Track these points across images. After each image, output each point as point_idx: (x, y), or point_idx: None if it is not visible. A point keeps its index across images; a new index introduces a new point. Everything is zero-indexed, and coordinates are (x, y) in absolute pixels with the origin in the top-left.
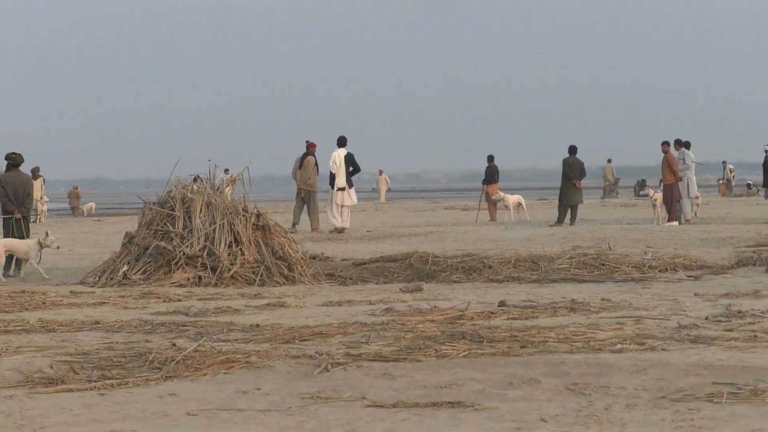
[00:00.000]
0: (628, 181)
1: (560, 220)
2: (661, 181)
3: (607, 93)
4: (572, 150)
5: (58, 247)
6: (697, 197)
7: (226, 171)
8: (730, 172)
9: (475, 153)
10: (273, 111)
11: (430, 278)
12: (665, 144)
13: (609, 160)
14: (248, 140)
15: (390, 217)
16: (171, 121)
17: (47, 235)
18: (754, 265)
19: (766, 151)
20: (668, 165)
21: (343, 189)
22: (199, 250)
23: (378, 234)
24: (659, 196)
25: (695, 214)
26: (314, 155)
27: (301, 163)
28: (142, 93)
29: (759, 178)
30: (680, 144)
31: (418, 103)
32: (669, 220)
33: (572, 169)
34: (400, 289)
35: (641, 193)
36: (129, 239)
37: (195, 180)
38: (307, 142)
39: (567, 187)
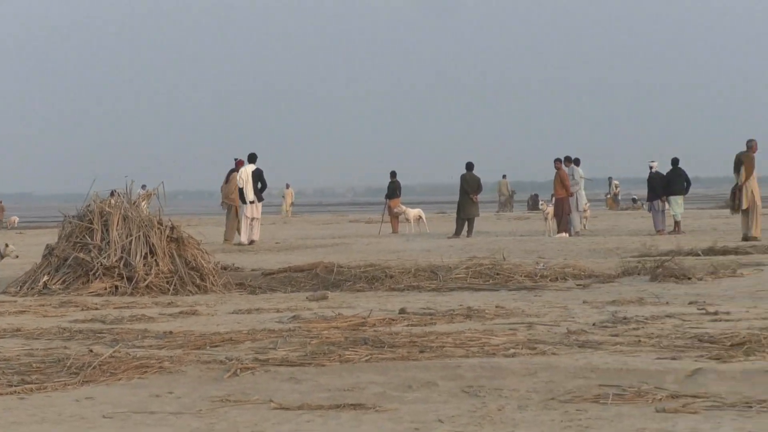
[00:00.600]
0: (521, 196)
1: (458, 233)
2: (552, 195)
3: (503, 113)
4: (469, 166)
5: (17, 256)
6: (585, 210)
7: (143, 187)
8: (616, 187)
9: (379, 169)
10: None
11: (335, 287)
12: (557, 161)
13: (504, 176)
14: (166, 154)
15: (298, 230)
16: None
17: (6, 246)
18: (638, 274)
19: (650, 168)
20: (560, 180)
21: (252, 202)
22: (116, 261)
23: (286, 246)
24: (551, 209)
25: (584, 227)
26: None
27: (227, 178)
28: (66, 109)
29: (644, 192)
30: (570, 161)
31: (327, 121)
32: (559, 232)
33: (469, 184)
34: (307, 298)
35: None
36: (49, 251)
37: (112, 195)
38: (235, 159)
39: (464, 201)
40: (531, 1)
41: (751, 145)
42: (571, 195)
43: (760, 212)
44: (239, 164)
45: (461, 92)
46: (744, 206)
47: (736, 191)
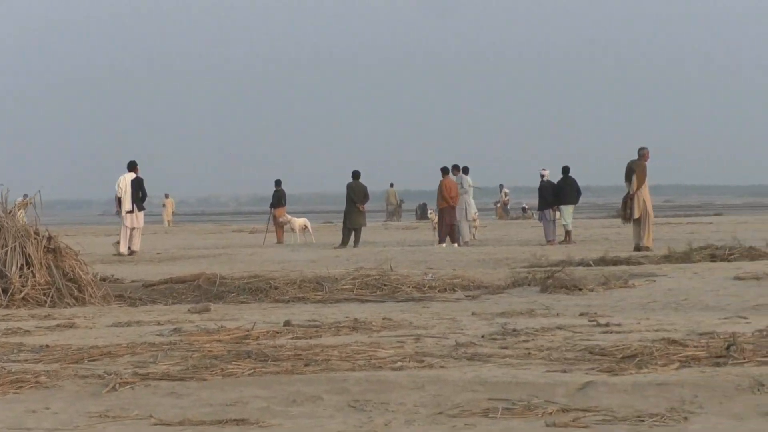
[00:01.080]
0: (410, 205)
1: (344, 243)
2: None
3: (390, 120)
4: (355, 175)
5: None
6: (475, 220)
7: (25, 196)
8: (506, 195)
9: (264, 178)
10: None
11: (218, 299)
12: (444, 169)
13: (391, 185)
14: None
15: (180, 240)
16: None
17: None
18: (528, 285)
19: (541, 176)
20: (441, 190)
21: (131, 212)
22: None
23: (168, 256)
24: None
25: (473, 236)
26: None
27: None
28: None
29: (534, 201)
30: (458, 169)
31: (209, 128)
32: (440, 243)
33: (356, 193)
34: (189, 310)
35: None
36: None
37: None
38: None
39: (351, 211)
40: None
41: (642, 154)
42: (452, 207)
43: (652, 222)
44: (134, 170)
45: (345, 99)
46: (635, 216)
47: (628, 200)
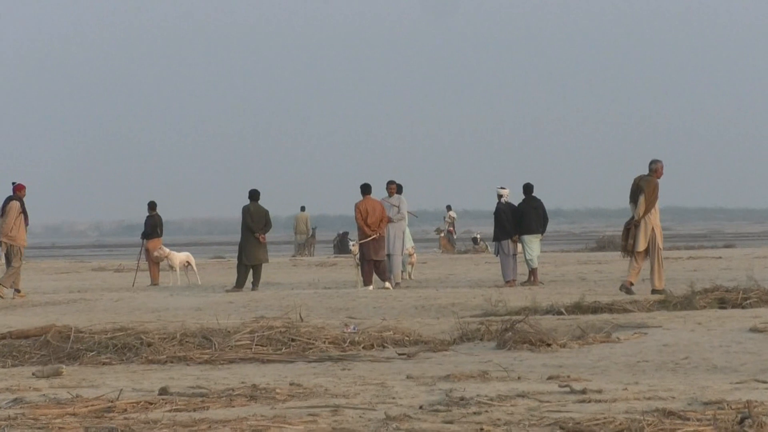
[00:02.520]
0: (326, 234)
1: (240, 284)
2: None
3: (300, 134)
4: (254, 195)
5: None
6: (411, 255)
7: None
8: (451, 221)
9: (133, 200)
10: None
11: (73, 359)
12: (364, 187)
13: (302, 208)
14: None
15: (22, 282)
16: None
17: None
18: (481, 339)
19: (499, 197)
20: (359, 214)
21: None
22: None
23: (4, 303)
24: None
25: (409, 275)
26: (21, 200)
27: (2, 209)
28: None
29: (489, 229)
30: (395, 187)
31: (62, 136)
32: (365, 284)
33: (254, 219)
34: (33, 374)
35: (350, 248)
36: None
37: None
38: (13, 183)
39: (248, 242)
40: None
41: (654, 168)
42: (375, 237)
43: (662, 256)
44: (18, 189)
45: (244, 109)
46: (640, 247)
47: (632, 227)
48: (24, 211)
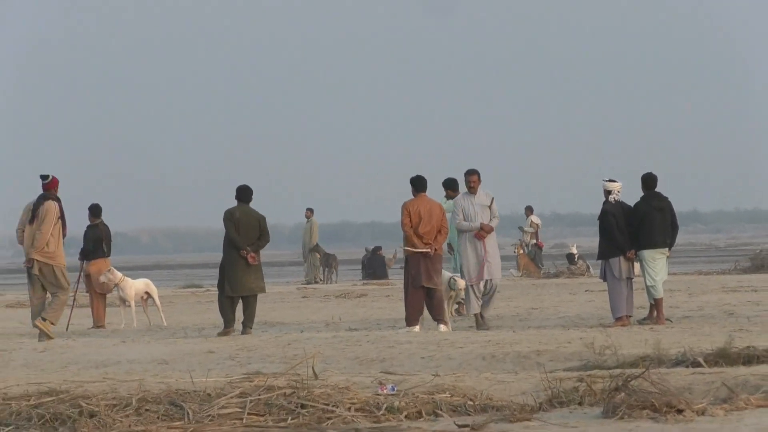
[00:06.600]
0: (347, 250)
1: (229, 324)
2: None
3: (306, 131)
4: (242, 195)
5: None
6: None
7: None
8: (535, 230)
9: (68, 204)
10: None
11: None
12: (416, 182)
13: (310, 211)
14: None
15: None
16: None
17: None
18: (580, 403)
19: (607, 193)
20: (408, 217)
21: None
22: None
23: None
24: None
25: (457, 312)
26: (59, 201)
27: (35, 213)
28: None
29: (589, 241)
30: (454, 188)
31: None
32: (410, 324)
33: (241, 230)
34: None
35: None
36: None
37: None
38: (44, 177)
39: (232, 264)
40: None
41: None
42: (434, 252)
43: None
44: (53, 186)
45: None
46: None
47: None
48: (62, 217)
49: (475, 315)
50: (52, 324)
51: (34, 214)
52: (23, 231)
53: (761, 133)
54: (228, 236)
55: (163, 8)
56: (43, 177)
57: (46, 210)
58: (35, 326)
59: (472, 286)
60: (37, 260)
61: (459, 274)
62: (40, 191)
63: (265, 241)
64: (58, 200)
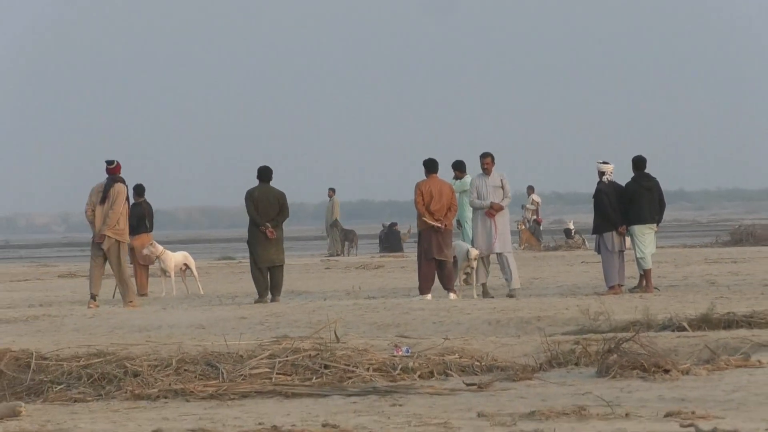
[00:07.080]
0: (367, 226)
1: (262, 294)
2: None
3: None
4: (263, 174)
5: None
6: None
7: None
8: (535, 207)
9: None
10: None
11: (34, 395)
12: (429, 164)
13: (332, 191)
14: None
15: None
16: None
17: None
18: (576, 364)
19: (600, 174)
20: (420, 197)
21: None
22: None
23: None
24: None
25: (465, 281)
26: (124, 182)
27: (105, 194)
28: None
29: (585, 217)
30: (462, 170)
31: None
32: (423, 293)
33: (260, 207)
34: None
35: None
36: None
37: None
38: (109, 162)
39: (255, 239)
40: None
41: None
42: (442, 228)
43: None
44: (117, 170)
45: (252, 80)
46: None
47: None
48: (128, 198)
49: (483, 284)
50: (131, 302)
51: (105, 194)
52: (92, 210)
53: (744, 118)
54: (250, 213)
55: None
56: (109, 162)
57: (117, 191)
58: (91, 301)
59: (482, 258)
60: (108, 236)
61: (473, 246)
62: (105, 175)
63: (284, 216)
64: (124, 182)
